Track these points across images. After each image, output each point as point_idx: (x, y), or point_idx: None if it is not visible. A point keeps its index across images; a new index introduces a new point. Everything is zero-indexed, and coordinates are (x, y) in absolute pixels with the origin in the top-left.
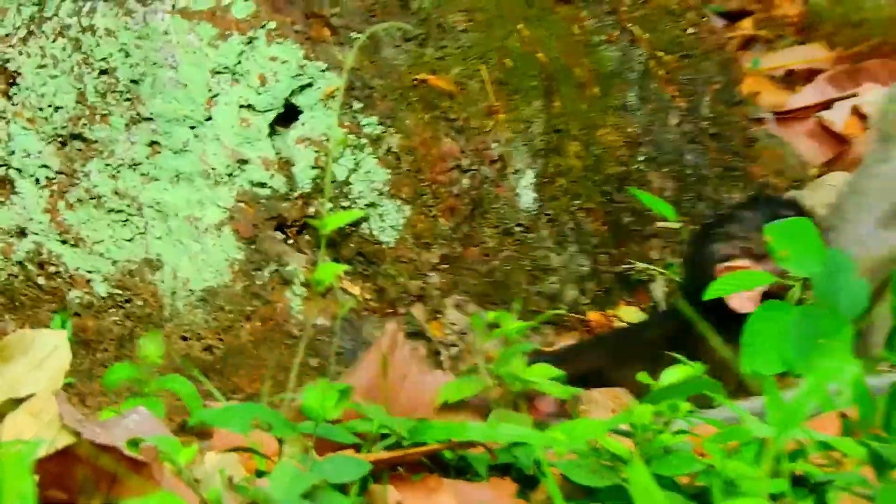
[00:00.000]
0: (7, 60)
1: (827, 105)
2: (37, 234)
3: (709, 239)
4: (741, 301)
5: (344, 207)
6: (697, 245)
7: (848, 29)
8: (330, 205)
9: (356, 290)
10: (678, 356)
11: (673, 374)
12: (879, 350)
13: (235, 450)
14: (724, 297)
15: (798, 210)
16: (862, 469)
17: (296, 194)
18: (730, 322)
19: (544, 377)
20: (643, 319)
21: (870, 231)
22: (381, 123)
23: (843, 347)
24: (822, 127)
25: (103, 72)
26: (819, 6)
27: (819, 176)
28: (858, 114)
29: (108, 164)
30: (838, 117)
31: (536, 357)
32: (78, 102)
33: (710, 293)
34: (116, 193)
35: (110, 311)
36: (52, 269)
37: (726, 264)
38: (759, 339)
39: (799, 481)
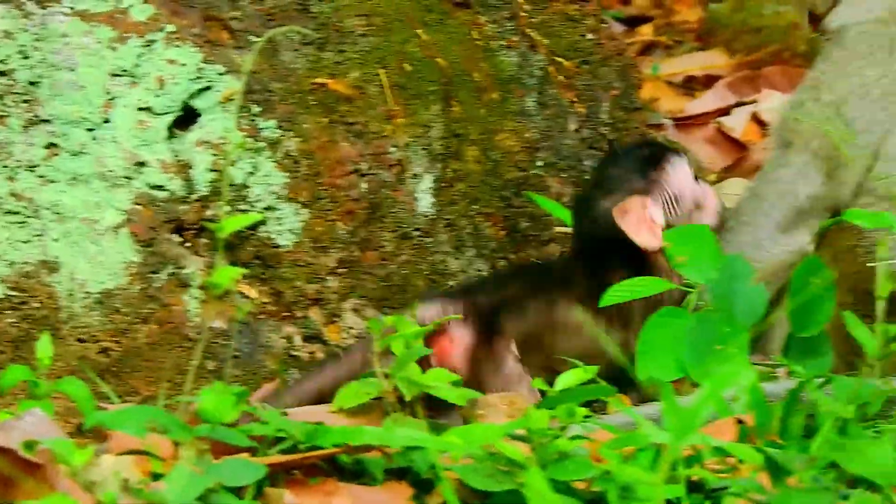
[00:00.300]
0: None
1: (726, 111)
2: None
3: (593, 199)
4: (648, 238)
5: (242, 211)
6: (582, 208)
7: (747, 35)
8: (228, 208)
9: (253, 293)
10: (574, 361)
11: (568, 379)
12: (777, 355)
13: (131, 452)
14: (632, 235)
15: (659, 145)
16: (758, 475)
17: (194, 197)
18: (634, 258)
19: (441, 381)
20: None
21: (769, 235)
22: (279, 127)
23: (739, 353)
24: (721, 133)
25: (1, 73)
26: (719, 13)
27: (718, 182)
28: (758, 120)
29: (5, 166)
30: (737, 123)
31: (433, 294)
32: None
33: (606, 300)
34: (13, 195)
35: (6, 312)
36: None
37: (620, 207)
38: (655, 345)
39: (695, 487)
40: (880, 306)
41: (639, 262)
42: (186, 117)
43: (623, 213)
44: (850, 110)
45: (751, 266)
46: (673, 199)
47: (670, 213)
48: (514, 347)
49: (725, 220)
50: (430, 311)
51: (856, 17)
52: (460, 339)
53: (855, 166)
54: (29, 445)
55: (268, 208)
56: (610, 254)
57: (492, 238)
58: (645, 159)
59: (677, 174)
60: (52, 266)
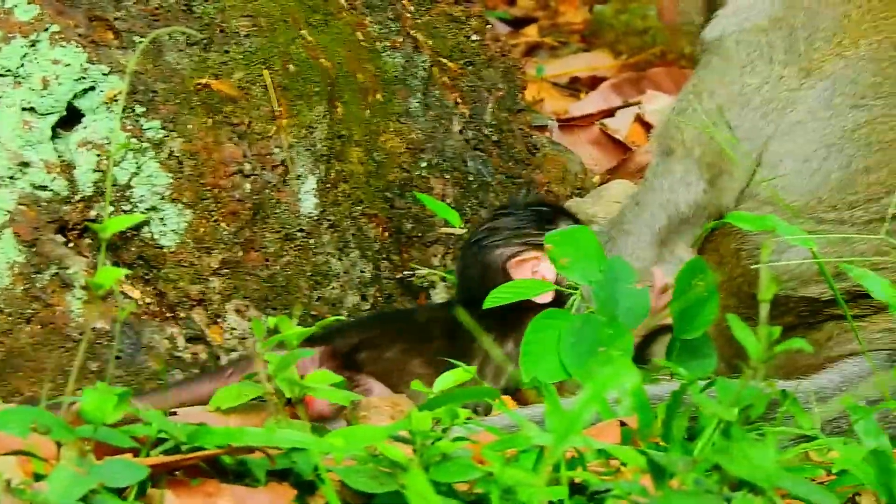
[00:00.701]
0: None
1: (610, 113)
2: None
3: (489, 246)
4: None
5: (125, 211)
6: (475, 252)
7: (632, 37)
8: (111, 208)
9: (136, 293)
10: (453, 360)
11: (448, 380)
12: (660, 359)
13: (14, 453)
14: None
15: (556, 206)
16: (641, 477)
17: (77, 198)
18: (510, 319)
19: (322, 383)
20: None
21: (649, 246)
22: (163, 127)
23: (622, 356)
24: (605, 135)
25: None
26: (603, 14)
27: (602, 184)
28: (642, 122)
29: None
30: (622, 125)
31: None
32: None
33: (490, 301)
34: None
35: None
36: None
37: (517, 259)
38: (539, 347)
39: (578, 489)
40: (764, 309)
41: (514, 319)
42: (70, 117)
43: (518, 265)
44: (732, 118)
45: (633, 269)
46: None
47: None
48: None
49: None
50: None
51: (734, 27)
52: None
53: (738, 173)
54: None
55: (151, 209)
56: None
57: (375, 239)
58: (540, 217)
59: None
60: None
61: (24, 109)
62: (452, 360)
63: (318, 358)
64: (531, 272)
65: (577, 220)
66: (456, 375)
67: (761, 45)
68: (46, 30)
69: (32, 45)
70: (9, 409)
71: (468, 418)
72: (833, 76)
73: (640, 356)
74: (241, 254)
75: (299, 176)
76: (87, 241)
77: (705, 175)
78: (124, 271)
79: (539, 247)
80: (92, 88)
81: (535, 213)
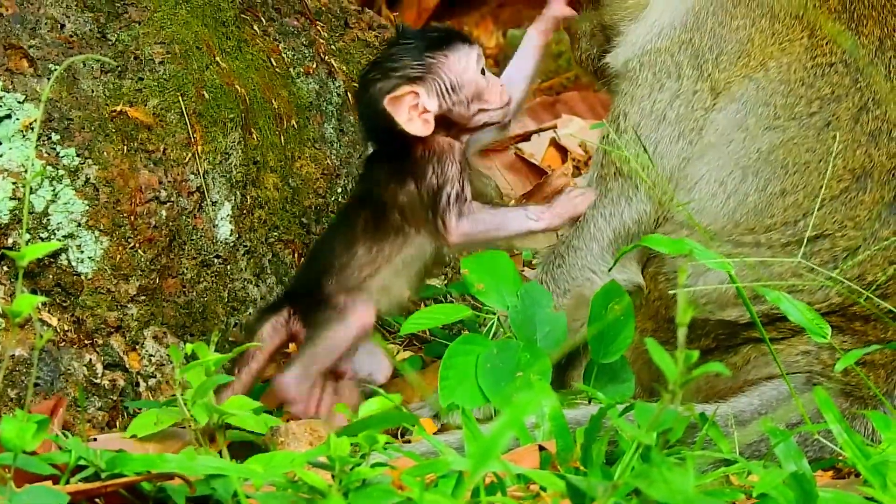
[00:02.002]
0: None
1: (526, 137)
2: None
3: (370, 81)
4: (419, 126)
5: (42, 238)
6: (361, 90)
7: (545, 60)
8: (28, 236)
9: (54, 321)
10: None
11: (370, 406)
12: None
13: None
14: (402, 123)
15: (449, 31)
16: (561, 502)
17: None
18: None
19: (243, 408)
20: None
21: (599, 256)
22: (79, 155)
23: (540, 380)
24: (520, 159)
25: None
26: (517, 39)
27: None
28: (557, 145)
29: None
30: (537, 149)
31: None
32: None
33: (405, 329)
34: None
35: None
36: None
37: (391, 95)
38: (457, 372)
39: None
40: (682, 333)
41: (406, 152)
42: None
43: (394, 103)
44: (649, 135)
45: (550, 293)
46: (450, 87)
47: (445, 101)
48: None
49: (508, 120)
50: (264, 330)
51: (637, 51)
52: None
53: (657, 193)
54: None
55: (68, 236)
56: (382, 142)
57: (292, 265)
58: (426, 44)
59: (460, 62)
60: None
61: None
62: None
63: (280, 327)
64: (408, 108)
65: (471, 42)
66: (380, 402)
67: (668, 65)
68: None
69: None
70: None
71: (387, 443)
72: (744, 98)
73: (559, 380)
74: (158, 280)
75: (215, 202)
76: (5, 268)
77: (641, 191)
78: (42, 298)
79: (416, 79)
80: (7, 116)
81: (423, 40)
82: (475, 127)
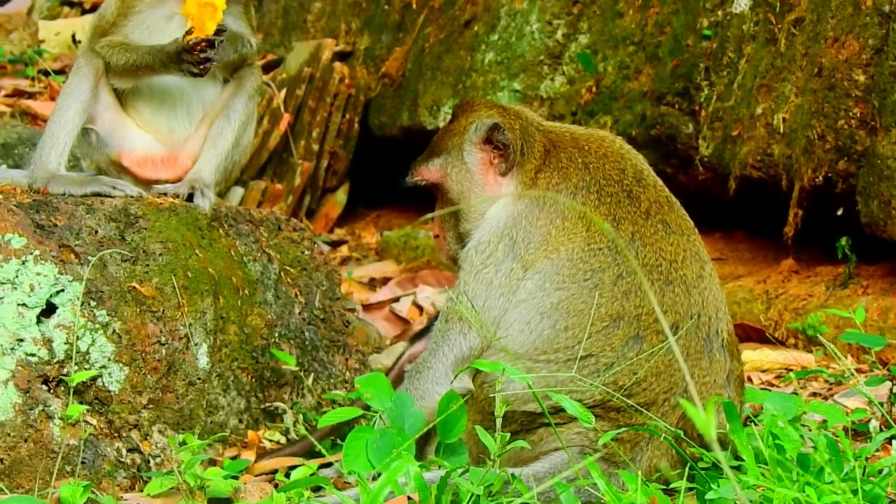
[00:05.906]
0: None
1: (396, 300)
2: None
3: None
4: None
5: (85, 368)
6: None
7: (408, 251)
8: (76, 367)
9: (94, 421)
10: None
11: (299, 472)
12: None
13: None
14: None
15: None
16: None
17: (55, 360)
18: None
19: (215, 475)
20: None
21: (444, 374)
22: (108, 314)
23: (407, 454)
24: (393, 314)
25: None
26: (390, 238)
27: (391, 345)
28: (416, 305)
29: None
30: (403, 308)
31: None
32: None
33: (322, 422)
34: None
35: None
36: None
37: None
38: (355, 449)
39: None
40: (498, 422)
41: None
42: (48, 309)
43: None
44: (480, 298)
45: (413, 398)
46: None
47: None
48: None
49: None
50: (418, 347)
51: (474, 244)
52: None
53: (483, 332)
54: None
55: (102, 367)
56: None
57: (247, 384)
58: None
59: None
60: None
61: (18, 305)
62: None
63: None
64: None
65: None
66: (304, 470)
67: (494, 250)
68: (31, 253)
69: (23, 263)
70: (13, 497)
71: (310, 496)
72: (544, 270)
73: (419, 454)
74: (161, 395)
75: (196, 344)
76: (62, 388)
77: (475, 331)
78: (85, 407)
79: None
80: (62, 290)
81: None
82: None
